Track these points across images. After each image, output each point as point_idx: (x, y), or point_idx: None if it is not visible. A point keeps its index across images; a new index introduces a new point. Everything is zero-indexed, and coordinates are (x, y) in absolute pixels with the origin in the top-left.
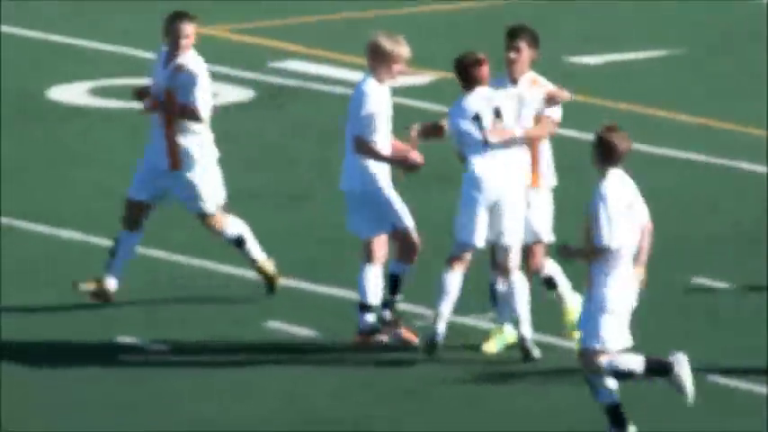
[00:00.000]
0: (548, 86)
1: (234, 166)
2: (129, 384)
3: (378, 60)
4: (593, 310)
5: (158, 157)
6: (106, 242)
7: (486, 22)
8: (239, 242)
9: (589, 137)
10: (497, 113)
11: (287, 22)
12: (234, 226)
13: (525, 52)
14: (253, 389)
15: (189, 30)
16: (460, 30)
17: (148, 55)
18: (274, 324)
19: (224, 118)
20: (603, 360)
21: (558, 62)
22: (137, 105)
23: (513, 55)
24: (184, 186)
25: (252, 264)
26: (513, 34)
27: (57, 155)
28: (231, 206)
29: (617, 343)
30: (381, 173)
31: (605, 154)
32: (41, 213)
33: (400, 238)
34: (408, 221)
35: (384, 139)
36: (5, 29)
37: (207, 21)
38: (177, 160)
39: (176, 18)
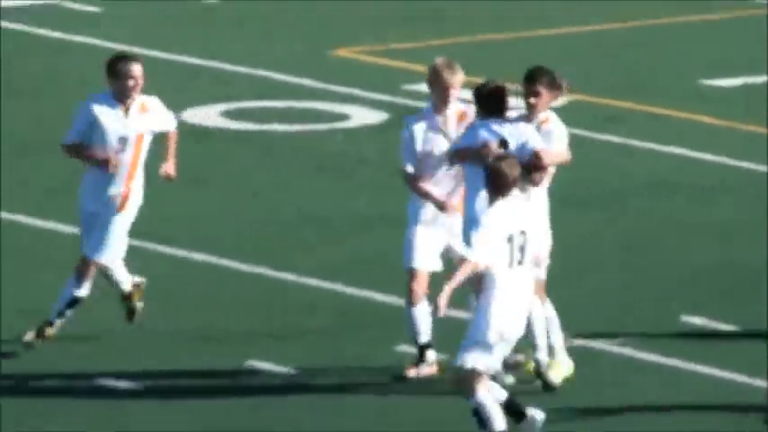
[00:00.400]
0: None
1: (366, 189)
2: (262, 409)
3: (433, 86)
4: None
5: None
6: (236, 265)
7: (614, 44)
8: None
9: (725, 160)
10: (504, 144)
11: (421, 44)
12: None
13: (545, 96)
14: (387, 413)
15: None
16: (593, 52)
17: (280, 77)
18: (404, 348)
19: (356, 140)
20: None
21: (692, 84)
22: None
23: (532, 100)
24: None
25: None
26: (532, 78)
27: (190, 175)
28: (364, 230)
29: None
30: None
31: (495, 183)
32: (174, 235)
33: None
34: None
35: (428, 174)
36: (147, 52)
37: (341, 43)
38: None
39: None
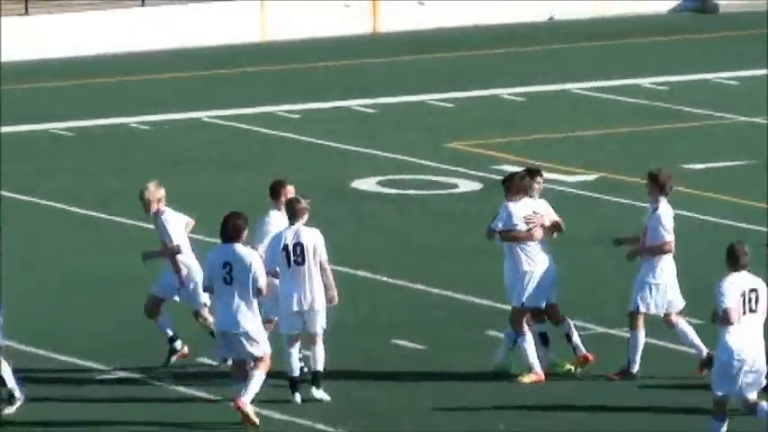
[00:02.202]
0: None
1: (468, 230)
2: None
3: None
4: None
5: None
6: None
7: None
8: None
9: None
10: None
11: (505, 139)
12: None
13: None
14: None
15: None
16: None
17: (414, 159)
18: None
19: (458, 204)
20: None
21: None
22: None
23: (537, 186)
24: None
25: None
26: (536, 173)
27: (359, 228)
28: (468, 257)
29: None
30: None
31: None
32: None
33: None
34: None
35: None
36: (313, 140)
37: (454, 138)
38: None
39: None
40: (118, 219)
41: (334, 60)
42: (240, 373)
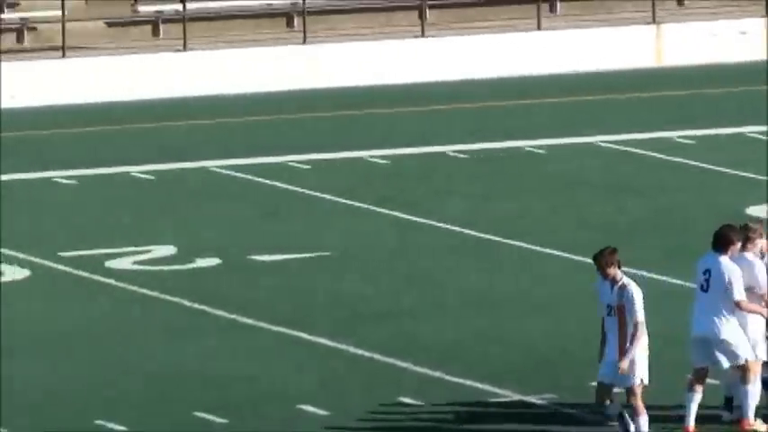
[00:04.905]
0: None
1: None
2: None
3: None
4: None
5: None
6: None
7: None
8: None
9: None
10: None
11: None
12: None
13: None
14: None
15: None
16: None
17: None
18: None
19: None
20: None
21: None
22: None
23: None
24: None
25: None
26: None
27: None
28: None
29: None
30: None
31: None
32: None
33: None
34: None
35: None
36: (707, 166)
37: None
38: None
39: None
40: (514, 242)
41: (731, 87)
42: (697, 383)
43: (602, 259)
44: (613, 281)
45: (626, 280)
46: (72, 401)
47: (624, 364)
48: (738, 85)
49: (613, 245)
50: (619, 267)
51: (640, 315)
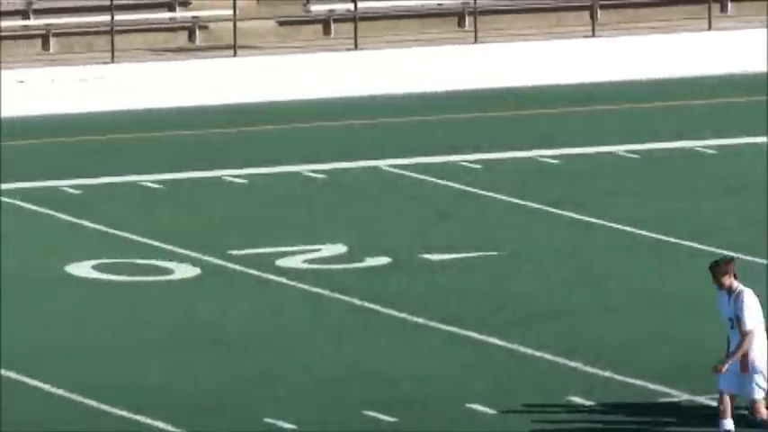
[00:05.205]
0: None
1: None
2: None
3: None
4: None
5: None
6: None
7: None
8: None
9: None
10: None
11: None
12: None
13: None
14: None
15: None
16: None
17: None
18: None
19: None
20: None
21: None
22: None
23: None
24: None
25: None
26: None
27: None
28: None
29: None
30: None
31: None
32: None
33: None
34: None
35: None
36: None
37: None
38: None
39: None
40: (684, 242)
41: None
42: None
43: (718, 269)
44: (729, 290)
45: (741, 287)
46: (242, 400)
47: (722, 369)
48: None
49: None
50: (735, 278)
51: (748, 324)
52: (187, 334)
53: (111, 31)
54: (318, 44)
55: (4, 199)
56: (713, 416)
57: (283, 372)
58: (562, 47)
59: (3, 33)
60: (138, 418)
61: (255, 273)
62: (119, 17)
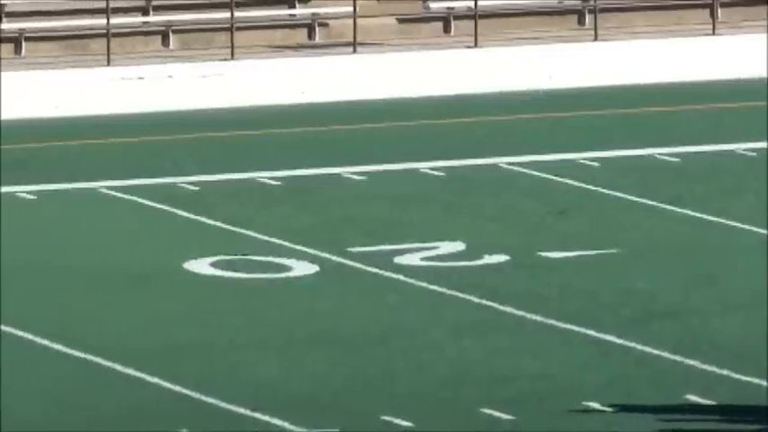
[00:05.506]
0: None
1: None
2: None
3: None
4: None
5: None
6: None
7: None
8: None
9: None
10: None
11: None
12: None
13: None
14: None
15: None
16: None
17: None
18: None
19: None
20: None
21: None
22: None
23: None
24: None
25: None
26: None
27: None
28: None
29: None
30: None
31: None
32: None
33: None
34: None
35: None
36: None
37: None
38: None
39: None
40: None
41: None
42: None
43: None
44: None
45: None
46: (359, 397)
47: None
48: None
49: None
50: None
51: None
52: (305, 331)
53: (231, 27)
54: (438, 41)
55: (125, 196)
56: None
57: (400, 369)
58: (683, 45)
59: (122, 30)
60: (255, 415)
61: (373, 270)
62: (238, 14)
